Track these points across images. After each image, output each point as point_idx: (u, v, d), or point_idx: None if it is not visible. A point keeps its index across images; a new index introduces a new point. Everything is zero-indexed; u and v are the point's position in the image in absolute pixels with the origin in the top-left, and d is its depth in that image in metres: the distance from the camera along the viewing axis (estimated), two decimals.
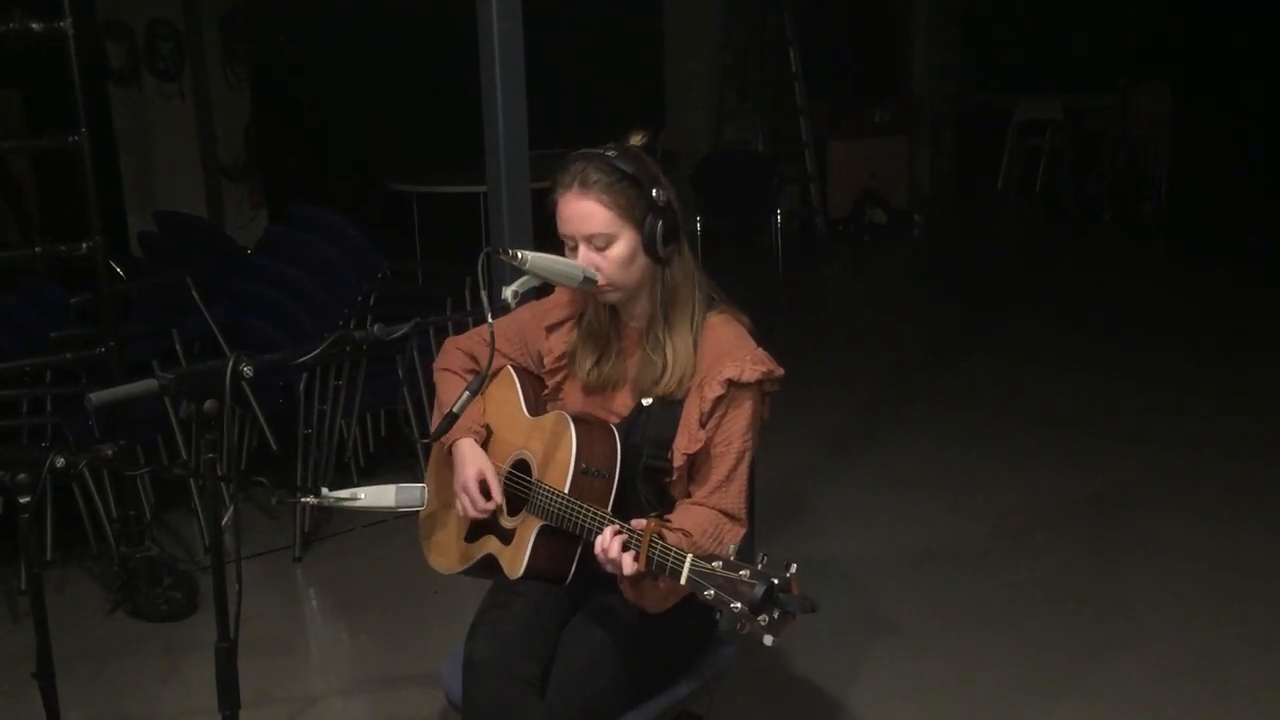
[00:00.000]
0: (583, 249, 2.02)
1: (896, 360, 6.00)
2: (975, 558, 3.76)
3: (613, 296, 2.09)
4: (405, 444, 4.47)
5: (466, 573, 2.26)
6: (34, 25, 3.16)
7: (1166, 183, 9.68)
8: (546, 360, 2.25)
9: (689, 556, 1.73)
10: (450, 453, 2.22)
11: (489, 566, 2.18)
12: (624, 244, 2.03)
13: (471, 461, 2.17)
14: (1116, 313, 6.85)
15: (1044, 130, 9.94)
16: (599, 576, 2.00)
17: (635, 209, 2.02)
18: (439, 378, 2.34)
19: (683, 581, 1.73)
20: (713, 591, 1.67)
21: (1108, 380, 5.50)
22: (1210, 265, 7.96)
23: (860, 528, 4.02)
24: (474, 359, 2.32)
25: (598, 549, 1.90)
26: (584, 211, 2.00)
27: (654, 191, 2.02)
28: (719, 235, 7.72)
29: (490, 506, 2.15)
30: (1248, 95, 9.02)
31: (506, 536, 2.15)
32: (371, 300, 4.07)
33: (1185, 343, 6.13)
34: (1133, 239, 9.07)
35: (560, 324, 2.25)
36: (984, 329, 6.55)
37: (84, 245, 3.27)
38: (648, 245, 2.04)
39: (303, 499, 2.24)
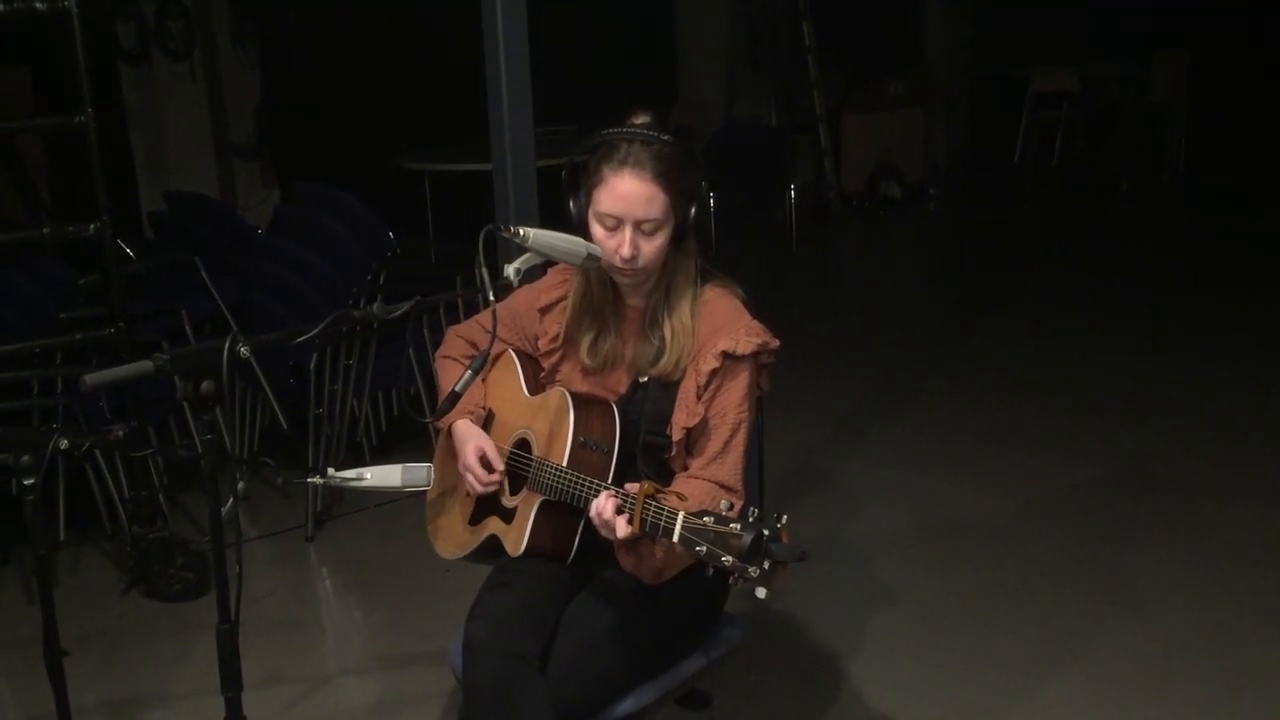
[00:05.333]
0: (629, 231, 2.00)
1: (910, 336, 5.96)
2: (987, 535, 3.74)
3: (634, 280, 2.08)
4: (417, 424, 4.47)
5: (471, 557, 2.25)
6: (38, 4, 3.14)
7: (1185, 153, 9.57)
8: (541, 343, 2.25)
9: (681, 514, 1.73)
10: (450, 435, 2.21)
11: (493, 549, 2.17)
12: (668, 231, 2.03)
13: (470, 439, 2.17)
14: (1134, 288, 6.79)
15: (1060, 102, 9.83)
16: (603, 555, 1.99)
17: (683, 198, 2.03)
18: (439, 365, 2.34)
19: (675, 539, 1.73)
20: (704, 547, 1.67)
21: (1124, 358, 5.45)
22: (1229, 237, 7.88)
23: (872, 505, 4.00)
24: (474, 345, 2.33)
25: (592, 513, 1.90)
26: (646, 196, 1.98)
27: (701, 182, 2.04)
28: (732, 210, 7.67)
29: (495, 478, 2.14)
30: (1266, 63, 8.90)
31: (508, 515, 2.14)
32: (381, 279, 4.06)
33: (1203, 319, 6.07)
34: (1151, 211, 8.98)
35: (553, 305, 2.24)
36: (999, 305, 6.50)
37: (91, 226, 3.27)
38: (679, 233, 2.04)
39: (309, 479, 2.23)
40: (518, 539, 2.08)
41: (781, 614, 3.27)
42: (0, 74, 5.92)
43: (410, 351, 4.04)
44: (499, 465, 2.15)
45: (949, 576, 3.49)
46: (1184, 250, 7.85)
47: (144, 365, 1.60)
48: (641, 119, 2.05)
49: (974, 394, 5.06)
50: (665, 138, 2.01)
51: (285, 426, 4.05)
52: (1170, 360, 5.38)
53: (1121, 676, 2.94)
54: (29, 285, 3.88)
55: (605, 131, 2.04)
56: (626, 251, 2.00)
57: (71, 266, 3.86)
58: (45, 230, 3.30)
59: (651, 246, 2.02)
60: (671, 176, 2.00)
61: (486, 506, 2.22)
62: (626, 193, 1.99)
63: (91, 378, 1.59)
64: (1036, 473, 4.19)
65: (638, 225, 2.00)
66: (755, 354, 2.05)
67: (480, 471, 2.14)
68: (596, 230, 2.04)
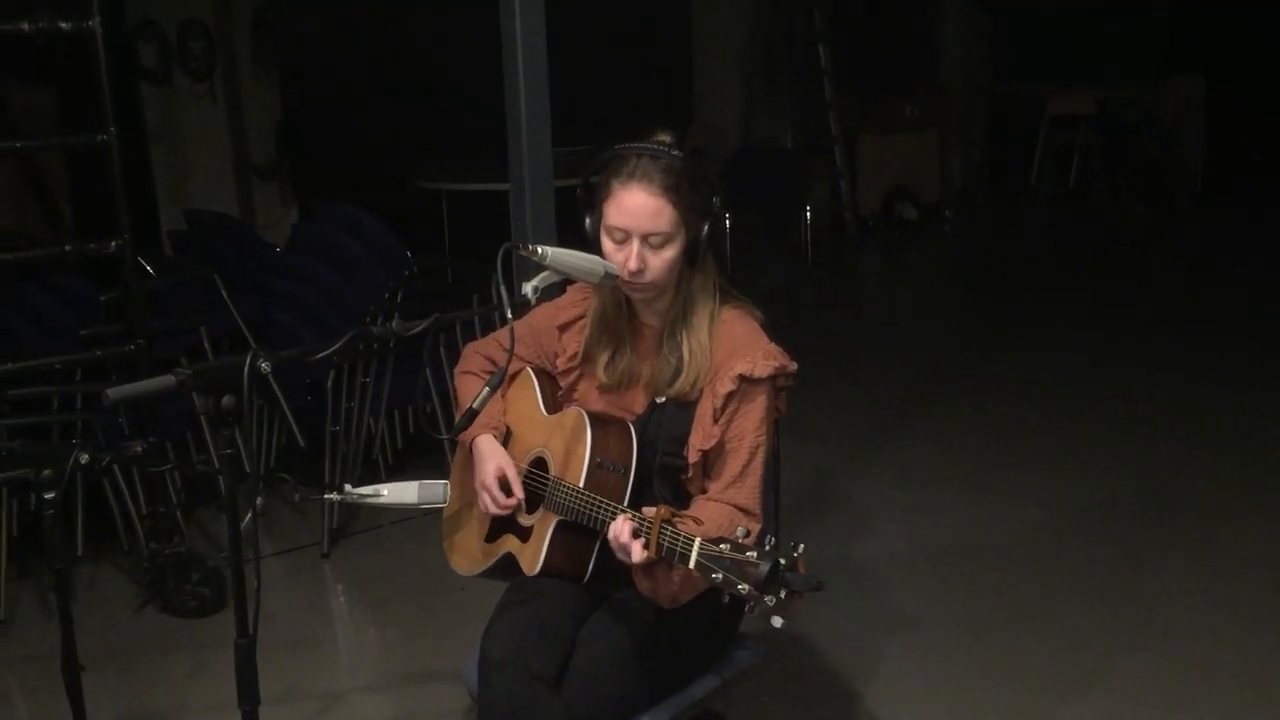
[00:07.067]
0: (636, 244, 2.01)
1: (926, 357, 5.95)
2: (1004, 555, 3.72)
3: (644, 295, 2.09)
4: (433, 441, 4.48)
5: (486, 573, 2.26)
6: (62, 25, 3.18)
7: (1201, 175, 9.56)
8: (559, 361, 2.25)
9: (697, 540, 1.74)
10: (471, 450, 2.22)
11: (508, 567, 2.18)
12: (677, 246, 2.03)
13: (491, 458, 2.17)
14: (1150, 308, 6.77)
15: (1076, 124, 9.82)
16: (619, 574, 2.00)
17: (694, 213, 2.03)
18: (458, 380, 2.35)
19: (691, 565, 1.73)
20: (720, 574, 1.68)
21: (1140, 377, 5.44)
22: (1246, 259, 7.85)
23: (887, 525, 3.99)
24: (492, 361, 2.33)
25: (610, 536, 1.90)
26: (653, 209, 1.99)
27: (714, 199, 2.04)
28: (748, 231, 7.68)
29: (511, 503, 2.15)
30: None
31: (525, 534, 2.15)
32: (399, 297, 4.08)
33: (1220, 339, 6.05)
34: (1167, 233, 8.97)
35: (572, 323, 2.25)
36: (1015, 325, 6.49)
37: (113, 244, 3.30)
38: (691, 250, 2.04)
39: (326, 496, 2.25)
40: (534, 558, 2.08)
41: (796, 635, 3.25)
42: (26, 93, 5.99)
43: (427, 369, 4.06)
44: (518, 492, 2.15)
45: (965, 597, 3.48)
46: (1201, 269, 7.83)
47: (166, 380, 1.62)
48: (662, 137, 2.06)
49: (990, 413, 5.04)
50: (675, 152, 2.02)
51: (302, 443, 4.07)
52: (1186, 378, 5.37)
53: (1140, 698, 2.92)
54: (50, 301, 3.91)
55: (617, 146, 2.05)
56: (633, 264, 2.01)
57: (92, 283, 3.89)
58: (67, 247, 3.33)
59: (660, 260, 2.03)
60: (680, 190, 2.00)
61: (503, 524, 2.22)
62: (634, 205, 2.00)
63: (114, 392, 1.61)
64: (1054, 491, 4.18)
65: (645, 238, 2.01)
66: (773, 377, 2.05)
67: (497, 493, 2.14)
68: (606, 244, 2.05)
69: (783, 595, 1.63)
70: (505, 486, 2.15)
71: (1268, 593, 3.41)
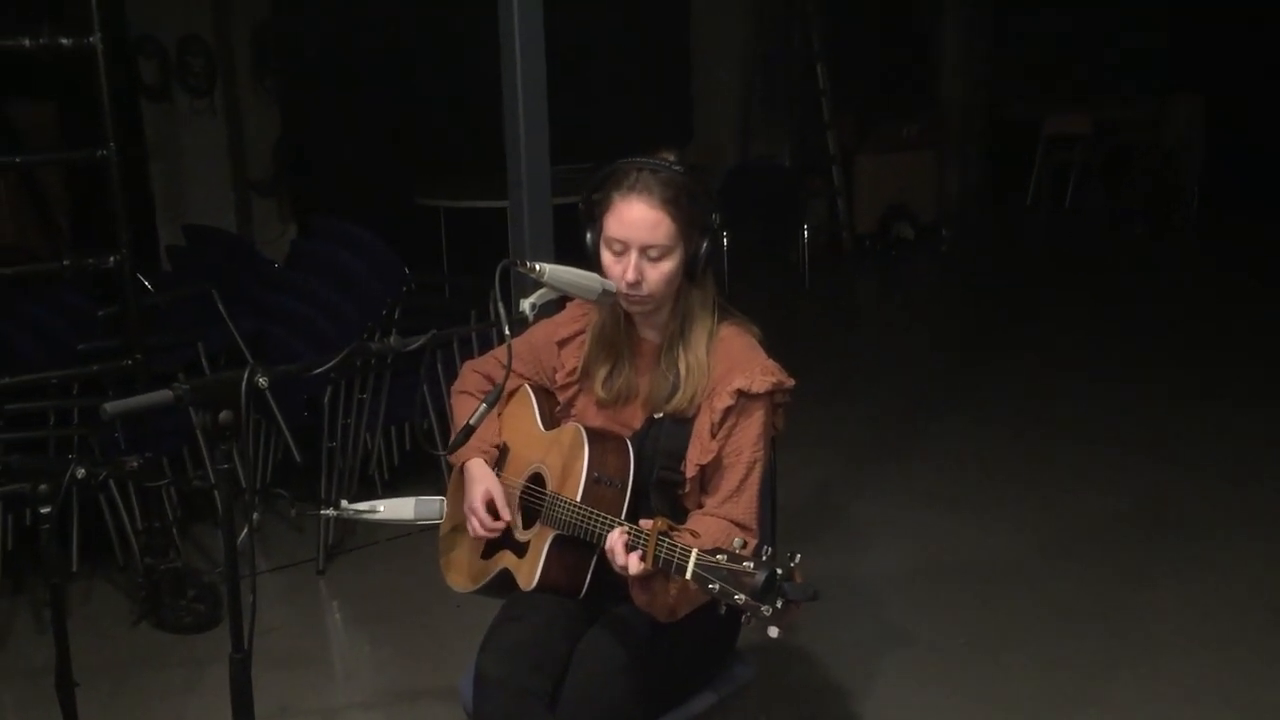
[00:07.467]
0: (634, 256, 2.02)
1: (923, 375, 5.96)
2: (1001, 574, 3.72)
3: (642, 308, 2.09)
4: (429, 457, 4.47)
5: (482, 591, 2.25)
6: (63, 41, 3.19)
7: (1199, 194, 9.60)
8: (559, 376, 2.25)
9: (694, 550, 1.74)
10: (463, 472, 2.22)
11: (504, 583, 2.17)
12: (675, 259, 2.04)
13: (479, 481, 2.18)
14: (1146, 328, 6.78)
15: (1073, 145, 9.86)
16: (615, 590, 1.99)
17: (694, 228, 2.04)
18: (455, 399, 2.35)
19: (688, 575, 1.73)
20: (717, 585, 1.68)
21: (1137, 396, 5.44)
22: (1245, 279, 7.87)
23: (885, 543, 3.99)
24: (489, 379, 2.34)
25: (606, 548, 1.90)
26: (651, 220, 2.00)
27: (713, 215, 2.04)
28: (745, 249, 7.70)
29: (498, 526, 2.15)
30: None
31: (521, 550, 2.15)
32: (396, 313, 4.09)
33: (1219, 358, 6.06)
34: (1165, 251, 8.99)
35: (571, 339, 2.25)
36: (1012, 344, 6.50)
37: (111, 259, 3.30)
38: (690, 265, 2.05)
39: (322, 512, 2.26)
40: (530, 573, 2.08)
41: (792, 652, 3.25)
42: (27, 108, 6.01)
43: (424, 386, 4.06)
44: (505, 515, 2.16)
45: (962, 615, 3.48)
46: (1199, 288, 7.85)
47: (163, 395, 1.62)
48: (666, 155, 2.07)
49: (988, 431, 5.05)
50: (676, 166, 2.03)
51: (298, 459, 4.06)
52: (1183, 396, 5.38)
53: (1137, 718, 2.92)
54: (48, 316, 3.91)
55: (619, 161, 2.07)
56: (631, 276, 2.01)
57: (90, 298, 3.89)
58: (65, 262, 3.33)
59: (658, 273, 2.03)
60: (679, 204, 2.01)
61: (499, 540, 2.22)
62: (634, 218, 2.01)
63: (112, 406, 1.61)
64: (1051, 510, 4.18)
65: (643, 251, 2.02)
66: (770, 393, 2.05)
67: (484, 516, 2.15)
68: (606, 256, 2.06)
69: (779, 605, 1.63)
70: (493, 510, 2.16)
71: (1261, 611, 3.41)
